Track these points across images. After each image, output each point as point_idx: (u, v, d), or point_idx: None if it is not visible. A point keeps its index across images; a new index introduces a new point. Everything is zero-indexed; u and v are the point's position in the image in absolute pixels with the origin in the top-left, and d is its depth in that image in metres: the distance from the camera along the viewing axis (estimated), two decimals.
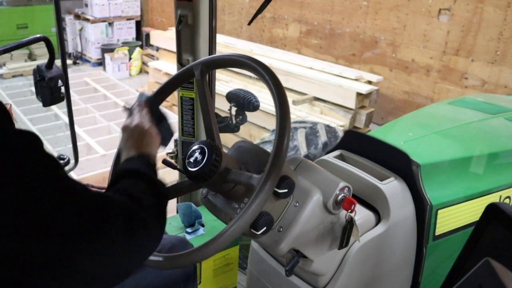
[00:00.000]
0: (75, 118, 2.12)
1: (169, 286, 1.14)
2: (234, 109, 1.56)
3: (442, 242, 1.26)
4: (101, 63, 6.72)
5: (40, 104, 1.74)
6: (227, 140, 3.27)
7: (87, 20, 6.82)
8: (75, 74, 6.03)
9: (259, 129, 4.00)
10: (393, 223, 1.15)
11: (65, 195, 0.59)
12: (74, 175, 3.30)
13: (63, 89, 1.72)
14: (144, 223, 0.68)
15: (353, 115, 3.83)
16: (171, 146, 1.83)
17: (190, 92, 1.63)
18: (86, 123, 4.28)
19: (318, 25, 5.03)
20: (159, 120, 0.98)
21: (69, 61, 6.60)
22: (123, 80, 6.09)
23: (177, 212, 1.73)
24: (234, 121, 1.59)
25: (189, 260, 0.81)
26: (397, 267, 1.23)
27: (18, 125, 4.44)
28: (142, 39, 7.10)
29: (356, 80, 3.99)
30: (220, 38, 5.07)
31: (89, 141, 3.87)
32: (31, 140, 0.59)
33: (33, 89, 1.75)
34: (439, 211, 1.22)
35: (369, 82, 3.99)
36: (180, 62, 1.62)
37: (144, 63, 6.58)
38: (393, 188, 1.18)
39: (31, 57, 6.30)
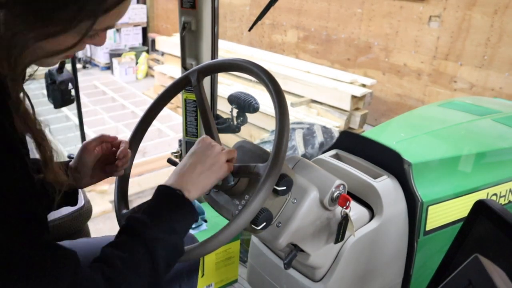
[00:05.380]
0: (84, 119, 2.12)
1: (174, 278, 1.13)
2: (235, 111, 1.56)
3: (432, 237, 1.25)
4: (109, 67, 6.72)
5: (52, 106, 1.74)
6: (229, 140, 3.26)
7: None
8: (84, 78, 6.03)
9: (259, 129, 4.00)
10: (386, 219, 1.15)
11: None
12: None
13: (73, 92, 1.72)
14: None
15: (348, 116, 3.83)
16: (175, 146, 1.83)
17: (194, 95, 1.63)
18: (95, 124, 4.28)
19: (315, 31, 5.03)
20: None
21: (79, 65, 6.59)
22: (130, 83, 6.09)
23: None
24: (235, 122, 1.59)
25: (196, 254, 0.80)
26: (390, 260, 1.23)
27: None
28: (148, 44, 7.10)
29: (351, 83, 3.99)
30: (222, 44, 5.07)
31: None
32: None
33: (45, 92, 1.75)
34: (430, 208, 1.22)
35: (363, 85, 3.99)
36: (184, 66, 1.62)
37: (150, 67, 6.58)
38: (386, 185, 1.18)
39: None
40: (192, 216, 0.78)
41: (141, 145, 1.05)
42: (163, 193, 0.78)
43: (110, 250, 0.69)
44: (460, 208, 1.30)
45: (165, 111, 4.39)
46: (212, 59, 1.61)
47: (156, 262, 0.70)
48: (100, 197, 3.26)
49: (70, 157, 0.98)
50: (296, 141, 2.75)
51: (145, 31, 7.32)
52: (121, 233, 0.73)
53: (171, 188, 0.77)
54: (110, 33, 6.78)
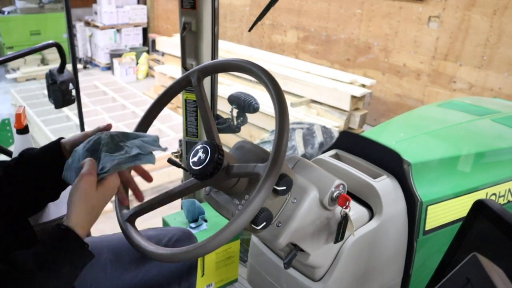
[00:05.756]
0: (85, 119, 2.12)
1: (172, 278, 1.14)
2: (235, 111, 1.56)
3: (431, 237, 1.25)
4: (109, 67, 6.72)
5: (52, 106, 1.74)
6: (229, 140, 3.27)
7: (96, 27, 6.83)
8: (85, 78, 6.03)
9: (259, 129, 4.00)
10: (386, 218, 1.15)
11: None
12: None
13: (73, 92, 1.72)
14: None
15: (348, 116, 3.83)
16: (175, 146, 1.83)
17: (194, 95, 1.63)
18: (95, 124, 4.23)
19: (314, 31, 5.03)
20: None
21: (79, 66, 6.59)
22: (131, 83, 6.09)
23: (182, 208, 1.73)
24: (235, 122, 1.60)
25: (196, 253, 0.80)
26: (389, 260, 1.23)
27: (32, 126, 4.46)
28: (148, 44, 7.10)
29: (351, 83, 3.99)
30: (222, 44, 5.07)
31: None
32: None
33: (46, 92, 1.75)
34: (429, 207, 1.22)
35: (363, 86, 3.99)
36: (184, 67, 1.62)
37: (150, 68, 6.58)
38: (385, 185, 1.18)
39: (43, 61, 6.30)
40: (86, 260, 0.79)
41: None
42: (56, 236, 0.77)
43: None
44: (460, 208, 1.30)
45: (166, 111, 4.39)
46: (212, 59, 1.61)
47: None
48: None
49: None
50: (296, 141, 2.75)
51: (145, 31, 7.32)
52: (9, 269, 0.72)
53: (63, 231, 0.77)
54: (110, 33, 6.79)
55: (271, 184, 0.78)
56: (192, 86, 0.98)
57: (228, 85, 4.51)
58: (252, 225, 0.86)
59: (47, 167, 0.91)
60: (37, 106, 4.60)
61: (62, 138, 0.96)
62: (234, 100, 1.49)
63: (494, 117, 1.73)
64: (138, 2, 7.29)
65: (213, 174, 0.87)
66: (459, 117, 1.76)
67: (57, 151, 0.93)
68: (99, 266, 1.06)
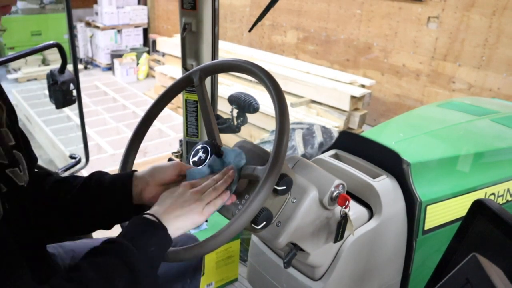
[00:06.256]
0: (86, 120, 2.12)
1: (177, 277, 1.13)
2: (235, 111, 1.56)
3: (431, 236, 1.25)
4: (110, 67, 6.72)
5: (53, 106, 1.74)
6: (229, 140, 3.27)
7: (97, 27, 6.83)
8: (86, 78, 6.03)
9: (259, 130, 4.00)
10: (385, 218, 1.15)
11: None
12: (85, 173, 3.30)
13: (74, 92, 1.72)
14: None
15: (347, 116, 3.83)
16: (176, 146, 1.83)
17: (194, 95, 1.63)
18: (96, 124, 4.28)
19: (314, 32, 5.03)
20: None
21: (80, 66, 6.59)
22: (131, 84, 6.09)
23: None
24: (235, 123, 1.59)
25: (196, 253, 0.80)
26: (389, 259, 1.23)
27: (32, 126, 4.44)
28: (149, 45, 7.10)
29: (350, 83, 3.99)
30: (222, 44, 5.07)
31: (99, 141, 3.87)
32: None
33: (47, 92, 1.75)
34: (428, 207, 1.22)
35: (362, 86, 3.99)
36: (184, 67, 1.62)
37: (151, 68, 6.58)
38: (385, 185, 1.18)
39: (44, 62, 6.30)
40: (168, 245, 0.78)
41: (142, 145, 1.05)
42: (143, 221, 0.77)
43: (88, 268, 0.69)
44: (459, 207, 1.30)
45: (166, 112, 4.39)
46: (212, 59, 1.61)
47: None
48: None
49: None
50: (296, 141, 2.75)
51: (146, 32, 7.32)
52: (101, 254, 0.72)
53: (150, 219, 0.77)
54: (111, 34, 6.80)
55: (271, 184, 0.78)
56: (194, 86, 0.98)
57: (228, 85, 4.51)
58: (252, 225, 0.86)
59: (111, 199, 0.89)
60: (38, 107, 4.60)
61: (135, 170, 0.93)
62: (234, 100, 1.49)
63: (493, 117, 1.73)
64: (139, 3, 7.29)
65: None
66: (458, 117, 1.77)
67: (127, 186, 0.89)
68: None
